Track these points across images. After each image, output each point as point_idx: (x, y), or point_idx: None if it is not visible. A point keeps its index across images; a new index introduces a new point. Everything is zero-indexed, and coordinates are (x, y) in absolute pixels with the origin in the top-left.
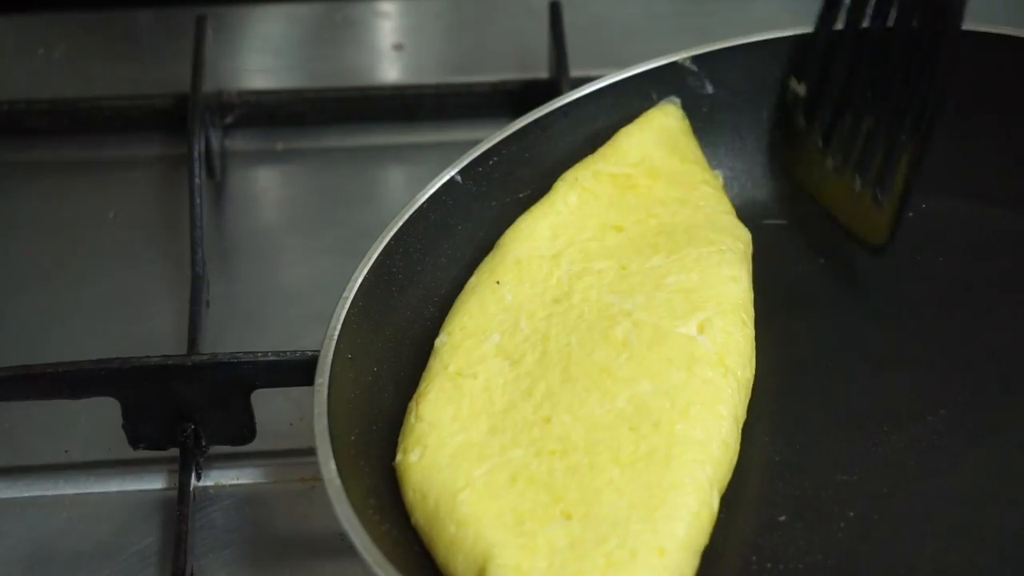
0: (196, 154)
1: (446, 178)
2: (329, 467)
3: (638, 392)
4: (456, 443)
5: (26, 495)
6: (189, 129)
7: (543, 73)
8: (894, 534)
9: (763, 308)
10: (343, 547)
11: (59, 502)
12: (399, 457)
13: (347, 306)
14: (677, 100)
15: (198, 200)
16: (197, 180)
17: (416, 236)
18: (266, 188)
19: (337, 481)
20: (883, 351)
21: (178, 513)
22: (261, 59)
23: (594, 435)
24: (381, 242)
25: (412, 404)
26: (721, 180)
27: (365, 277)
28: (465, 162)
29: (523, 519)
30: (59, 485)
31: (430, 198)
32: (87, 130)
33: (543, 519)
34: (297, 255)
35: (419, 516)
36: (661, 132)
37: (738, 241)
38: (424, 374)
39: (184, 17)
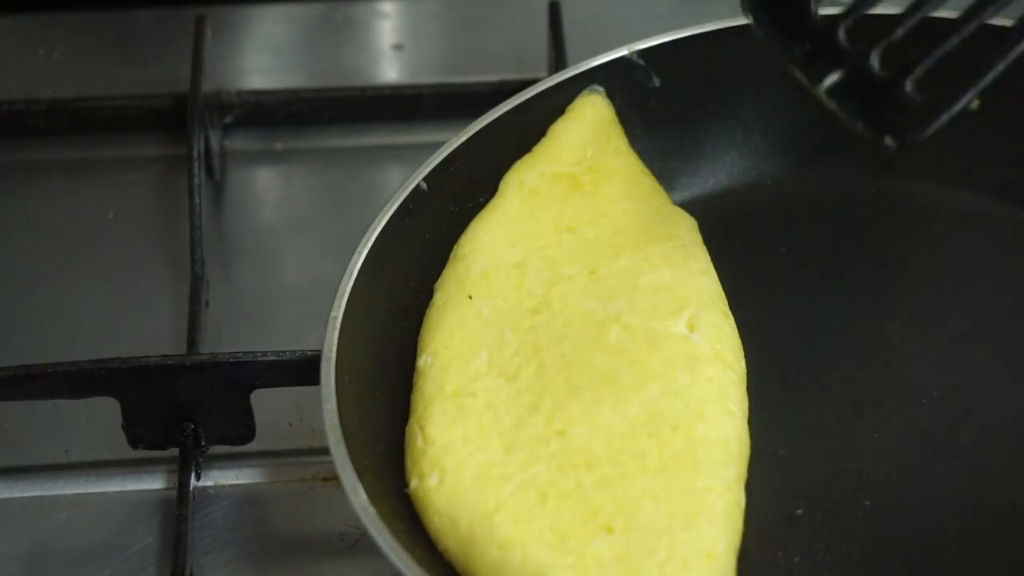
0: (195, 154)
1: (412, 187)
2: (359, 496)
3: (648, 397)
4: (475, 464)
5: (26, 495)
6: (188, 129)
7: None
8: (914, 519)
9: (734, 299)
10: (343, 547)
11: (59, 502)
12: (415, 483)
13: (338, 327)
14: (601, 89)
15: (197, 200)
16: (196, 180)
17: (387, 248)
18: (266, 188)
19: (371, 509)
20: (865, 336)
21: (177, 513)
22: (261, 59)
23: (615, 444)
24: (359, 257)
25: (414, 428)
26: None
27: (349, 296)
28: (428, 169)
29: (565, 537)
30: (59, 485)
31: (399, 209)
32: (86, 130)
33: (584, 535)
34: (297, 255)
35: (450, 541)
36: (594, 125)
37: (692, 231)
38: (415, 396)
39: (185, 17)
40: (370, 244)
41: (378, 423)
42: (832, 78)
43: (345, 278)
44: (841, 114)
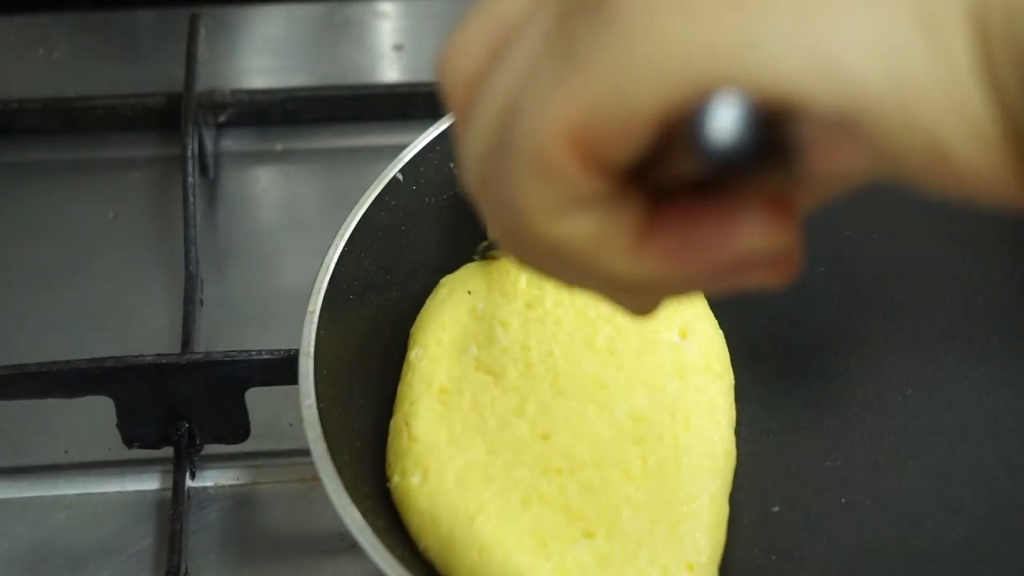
0: (189, 153)
1: (388, 178)
2: (341, 496)
3: (636, 404)
4: (458, 465)
5: (26, 495)
6: (182, 128)
7: None
8: (890, 517)
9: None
10: (342, 547)
11: (59, 502)
12: (396, 480)
13: (315, 321)
14: None
15: (191, 199)
16: (190, 179)
17: (364, 241)
18: (261, 187)
19: (353, 508)
20: (835, 333)
21: (172, 512)
22: (261, 60)
23: (599, 451)
24: (335, 250)
25: (400, 423)
26: None
27: (326, 289)
28: (404, 160)
29: (546, 541)
30: (59, 485)
31: (375, 200)
32: (81, 129)
33: (566, 540)
34: (292, 254)
35: (431, 541)
36: None
37: None
38: (403, 389)
39: (185, 18)
40: (347, 236)
41: (356, 418)
42: None
43: (322, 272)
44: None
